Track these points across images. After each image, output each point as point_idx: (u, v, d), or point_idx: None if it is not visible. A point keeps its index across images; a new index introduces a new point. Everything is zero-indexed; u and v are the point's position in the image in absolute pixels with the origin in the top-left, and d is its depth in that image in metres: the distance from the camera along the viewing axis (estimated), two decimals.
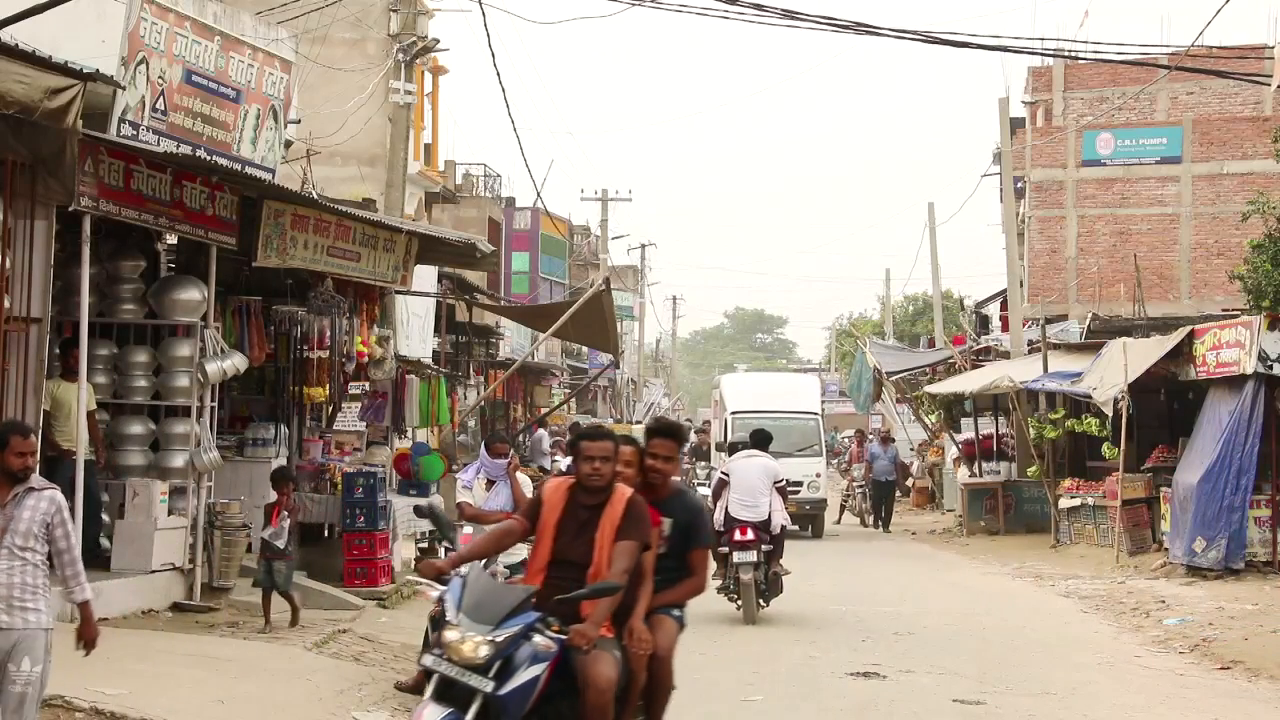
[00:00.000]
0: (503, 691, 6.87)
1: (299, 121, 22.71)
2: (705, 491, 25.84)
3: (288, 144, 20.20)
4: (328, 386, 17.87)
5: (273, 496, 14.17)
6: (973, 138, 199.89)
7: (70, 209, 12.31)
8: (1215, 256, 37.84)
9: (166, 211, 13.64)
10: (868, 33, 17.25)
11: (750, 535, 16.11)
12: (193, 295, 14.68)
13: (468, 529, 12.99)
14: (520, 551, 10.15)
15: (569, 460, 10.58)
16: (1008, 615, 17.55)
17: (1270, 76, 19.76)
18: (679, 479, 8.71)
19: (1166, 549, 21.46)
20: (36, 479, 7.47)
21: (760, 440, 17.12)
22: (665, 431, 8.26)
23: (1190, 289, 38.43)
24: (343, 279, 17.35)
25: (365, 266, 17.20)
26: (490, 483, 13.52)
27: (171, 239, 15.38)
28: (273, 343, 17.17)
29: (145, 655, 11.36)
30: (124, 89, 14.36)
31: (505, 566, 11.57)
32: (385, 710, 10.59)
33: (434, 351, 27.38)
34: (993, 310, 44.42)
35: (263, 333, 16.70)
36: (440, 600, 7.18)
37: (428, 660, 7.01)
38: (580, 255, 61.30)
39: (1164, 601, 18.06)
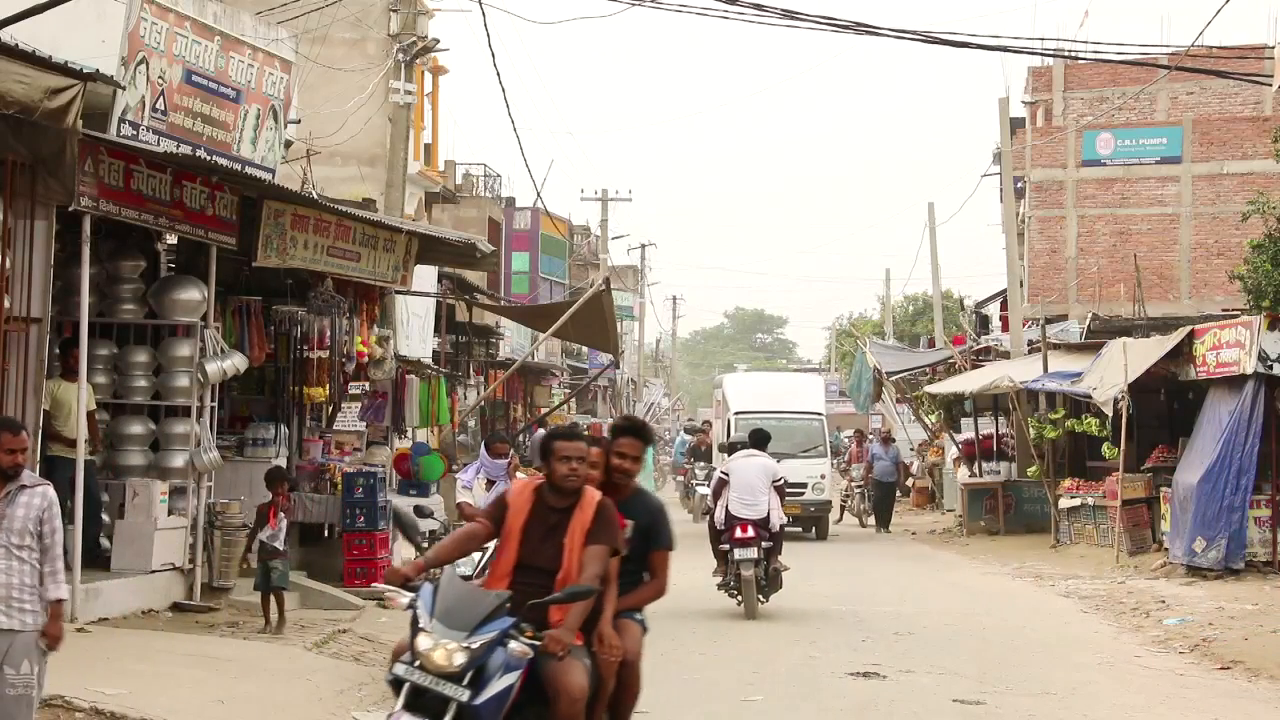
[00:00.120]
0: (478, 701, 6.66)
1: (299, 121, 22.72)
2: (704, 491, 25.89)
3: (288, 144, 20.20)
4: (328, 386, 17.87)
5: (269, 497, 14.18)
6: (973, 138, 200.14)
7: (70, 209, 12.31)
8: (1215, 256, 37.84)
9: (166, 211, 13.64)
10: (868, 33, 17.26)
11: (751, 533, 16.55)
12: (193, 295, 14.68)
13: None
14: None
15: None
16: (1008, 615, 17.55)
17: (1270, 76, 19.77)
18: (646, 480, 8.68)
19: (1166, 549, 21.46)
20: (28, 475, 7.43)
21: (759, 440, 17.54)
22: (632, 430, 7.97)
23: (1190, 289, 38.43)
24: (343, 279, 17.35)
25: (365, 266, 17.21)
26: (490, 483, 13.56)
27: (171, 239, 15.38)
28: (273, 343, 17.17)
29: (145, 655, 11.36)
30: (124, 89, 14.37)
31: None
32: (385, 710, 10.55)
33: (434, 351, 27.39)
34: (993, 310, 44.42)
35: (263, 333, 16.70)
36: (411, 607, 6.93)
37: (399, 669, 6.78)
38: (580, 255, 61.29)
39: (1164, 601, 18.06)
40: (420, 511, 15.52)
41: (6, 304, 11.95)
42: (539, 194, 33.01)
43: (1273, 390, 19.86)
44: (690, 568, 20.71)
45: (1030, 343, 30.17)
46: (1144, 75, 37.42)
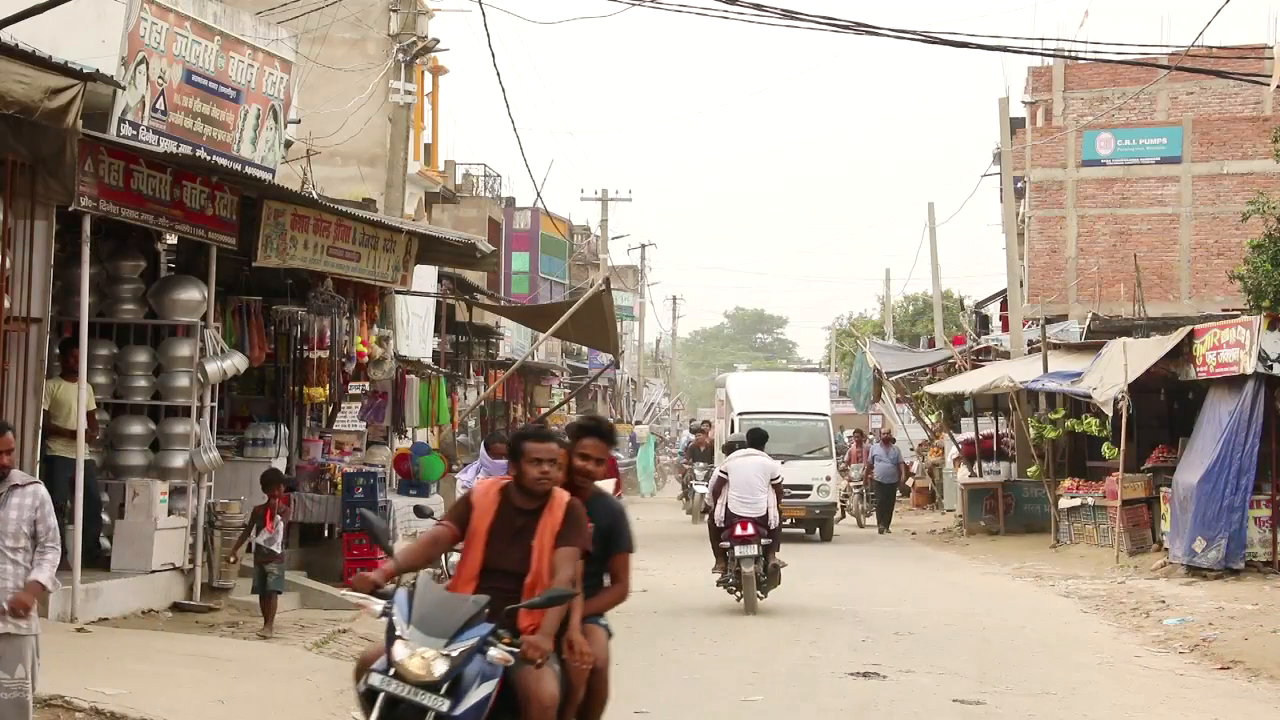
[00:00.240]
0: (457, 711, 6.37)
1: (299, 121, 22.72)
2: (702, 490, 25.91)
3: (288, 144, 20.21)
4: (328, 386, 17.87)
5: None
6: (973, 138, 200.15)
7: (70, 209, 12.31)
8: (1215, 256, 37.84)
9: (166, 211, 13.64)
10: (868, 33, 17.25)
11: (750, 530, 16.91)
12: (193, 295, 14.68)
13: None
14: None
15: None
16: (1008, 615, 17.55)
17: (1270, 76, 19.76)
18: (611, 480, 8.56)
19: (1166, 549, 21.46)
20: (18, 474, 7.33)
21: (756, 439, 17.99)
22: (596, 431, 7.63)
23: (1190, 289, 38.43)
24: (343, 279, 17.36)
25: (365, 266, 17.21)
26: None
27: (171, 239, 15.38)
28: (273, 343, 17.17)
29: (145, 655, 11.36)
30: (124, 89, 14.37)
31: None
32: None
33: (434, 351, 27.39)
34: (993, 310, 44.43)
35: (263, 333, 16.71)
36: (386, 614, 6.61)
37: (375, 680, 6.44)
38: (580, 255, 61.30)
39: (1164, 601, 18.06)
40: (420, 512, 15.50)
41: (6, 304, 11.95)
42: (539, 194, 33.03)
43: (1273, 390, 19.86)
44: (690, 568, 20.79)
45: (1030, 343, 30.17)
46: (1144, 75, 37.42)
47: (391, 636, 6.48)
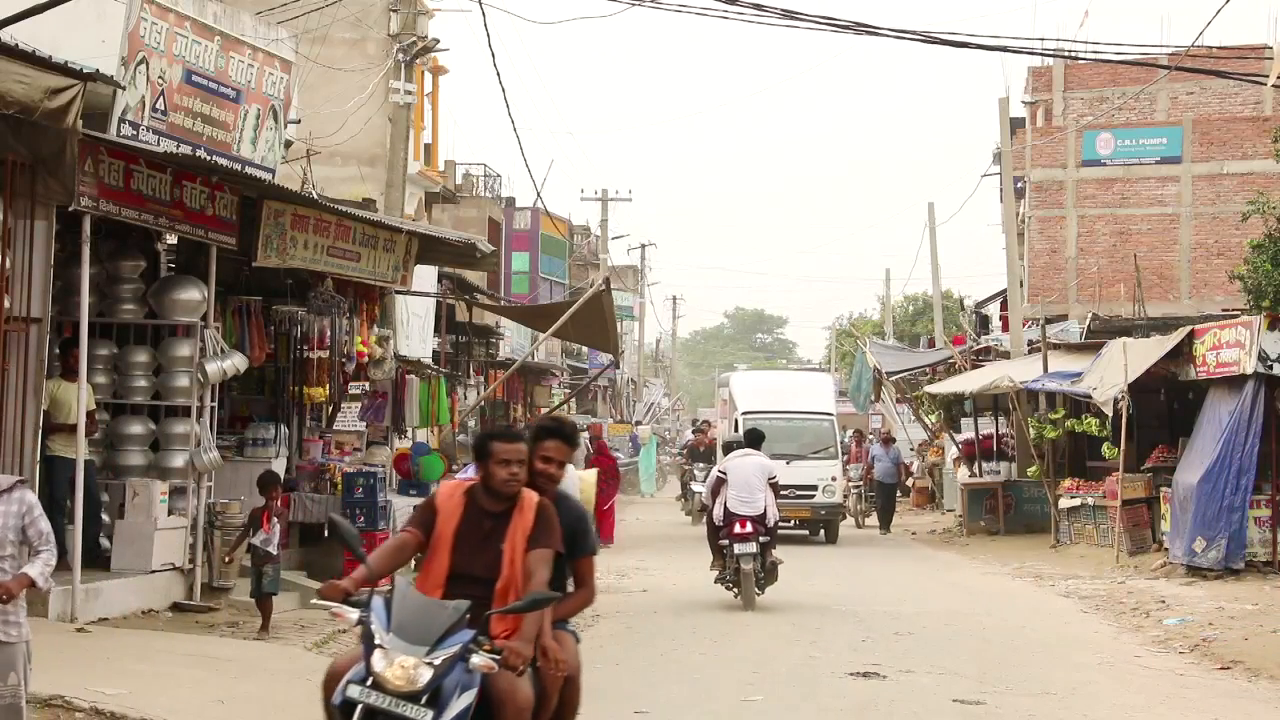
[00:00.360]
0: None
1: (299, 121, 22.72)
2: (698, 489, 25.88)
3: (288, 144, 20.21)
4: (328, 386, 17.88)
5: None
6: (973, 138, 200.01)
7: (70, 209, 12.32)
8: (1215, 256, 37.85)
9: (166, 211, 13.65)
10: (868, 33, 17.24)
11: (749, 528, 17.26)
12: (193, 295, 14.68)
13: None
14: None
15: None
16: (1008, 615, 17.55)
17: (1269, 77, 19.75)
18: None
19: (1166, 549, 21.46)
20: (2, 478, 7.14)
21: (753, 439, 18.50)
22: (558, 432, 7.37)
23: (1190, 289, 38.43)
24: (343, 279, 17.36)
25: (365, 266, 17.21)
26: None
27: (171, 239, 15.39)
28: (273, 343, 17.18)
29: (145, 655, 11.36)
30: (124, 89, 14.38)
31: None
32: None
33: (434, 351, 27.39)
34: (993, 310, 44.44)
35: (263, 333, 16.71)
36: (363, 622, 6.30)
37: (354, 691, 6.10)
38: (580, 255, 61.30)
39: (1164, 601, 18.06)
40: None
41: (6, 304, 11.96)
42: (539, 194, 33.03)
43: (1273, 390, 19.86)
44: (690, 568, 20.81)
45: (1030, 343, 30.17)
46: (1144, 75, 37.42)
47: (370, 645, 6.18)
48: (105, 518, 14.19)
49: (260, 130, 17.23)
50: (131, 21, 14.75)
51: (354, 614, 6.36)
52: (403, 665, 6.05)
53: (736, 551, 17.33)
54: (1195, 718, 11.45)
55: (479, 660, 6.21)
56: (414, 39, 22.78)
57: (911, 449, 39.30)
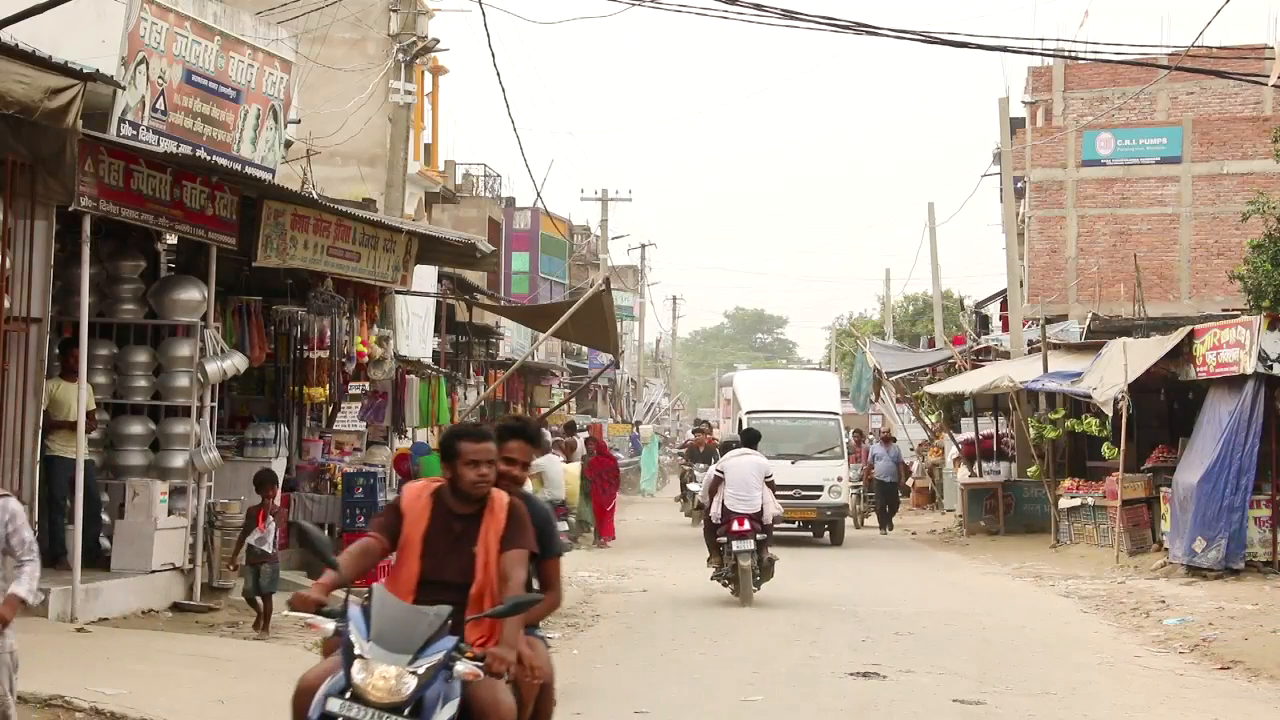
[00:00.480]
0: None
1: (299, 121, 22.73)
2: (694, 488, 25.88)
3: (288, 144, 20.22)
4: (328, 386, 17.88)
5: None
6: (973, 138, 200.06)
7: (70, 209, 12.32)
8: (1215, 256, 37.85)
9: (166, 211, 13.65)
10: (868, 33, 17.25)
11: (747, 526, 17.68)
12: (193, 295, 14.68)
13: None
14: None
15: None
16: (1008, 615, 17.55)
17: (1269, 76, 19.76)
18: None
19: (1166, 549, 21.46)
20: None
21: (750, 439, 19.06)
22: (521, 432, 7.17)
23: (1190, 289, 38.43)
24: (343, 279, 17.36)
25: (365, 266, 17.22)
26: None
27: (171, 239, 15.39)
28: (273, 343, 17.18)
29: (145, 655, 11.36)
30: (124, 89, 14.38)
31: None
32: None
33: (434, 351, 27.40)
34: (993, 310, 44.44)
35: (263, 333, 16.71)
36: (339, 632, 6.04)
37: (334, 705, 5.86)
38: (580, 255, 61.31)
39: (1164, 601, 18.06)
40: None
41: (6, 304, 11.96)
42: (539, 194, 33.05)
43: (1273, 390, 19.86)
44: (690, 568, 20.81)
45: (1030, 343, 30.17)
46: (1144, 75, 37.42)
47: (350, 655, 5.90)
48: (105, 518, 14.19)
49: (260, 130, 17.23)
50: (131, 21, 14.75)
51: (330, 624, 6.11)
52: (384, 676, 5.81)
53: (734, 549, 17.71)
54: (1195, 718, 11.45)
55: (463, 668, 5.97)
56: (414, 39, 22.79)
57: (911, 449, 39.28)
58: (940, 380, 33.71)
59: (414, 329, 25.10)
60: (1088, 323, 30.34)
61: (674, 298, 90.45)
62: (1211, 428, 20.47)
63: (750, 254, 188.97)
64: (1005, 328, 34.67)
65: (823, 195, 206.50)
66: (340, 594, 6.33)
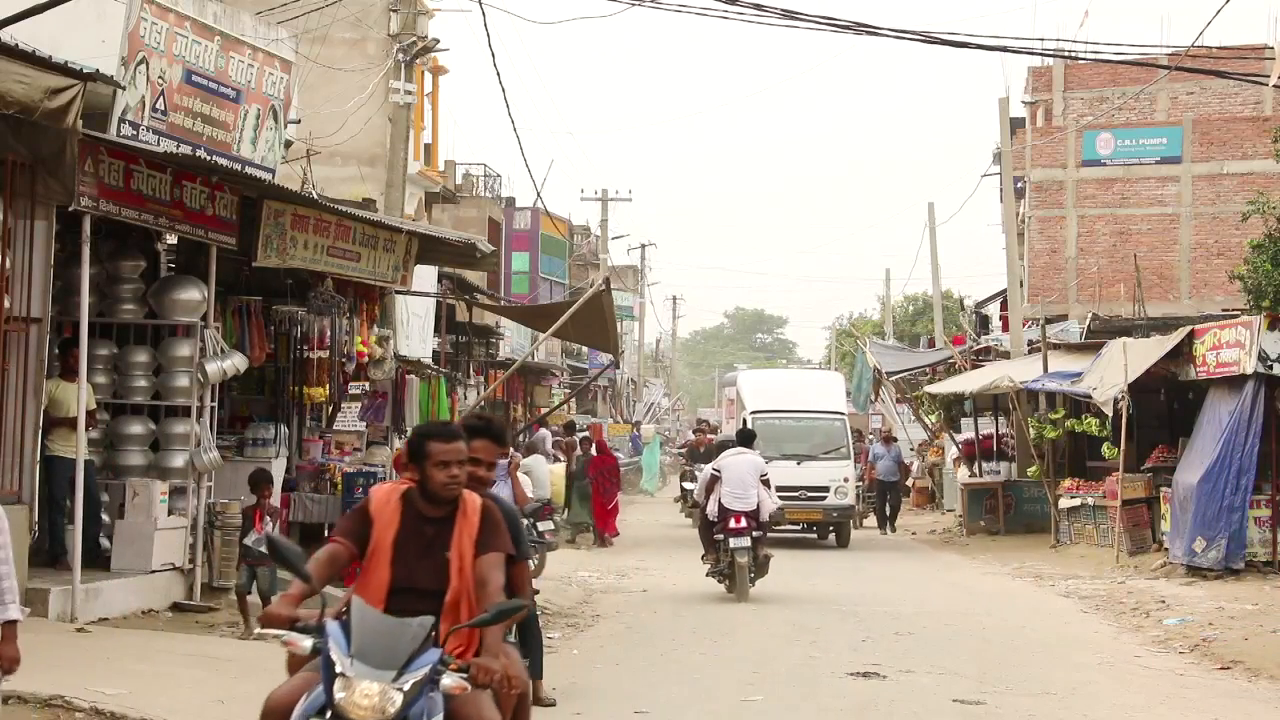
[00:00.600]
0: None
1: (299, 121, 22.72)
2: (689, 486, 25.89)
3: (288, 144, 20.21)
4: (328, 386, 17.88)
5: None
6: (973, 138, 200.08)
7: (70, 209, 12.32)
8: (1215, 256, 37.85)
9: (166, 211, 13.64)
10: (868, 33, 17.25)
11: (743, 523, 18.06)
12: (193, 295, 14.68)
13: None
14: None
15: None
16: (1008, 615, 17.55)
17: (1269, 76, 19.75)
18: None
19: (1166, 549, 21.46)
20: None
21: (745, 439, 19.36)
22: (486, 431, 6.90)
23: (1190, 289, 38.43)
24: (343, 279, 17.36)
25: (365, 266, 17.21)
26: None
27: (171, 239, 15.39)
28: (273, 343, 17.18)
29: (145, 655, 11.35)
30: (124, 89, 14.38)
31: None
32: None
33: (434, 351, 27.40)
34: (993, 310, 44.45)
35: (263, 333, 16.71)
36: (320, 649, 5.68)
37: None
38: (580, 255, 61.31)
39: (1164, 601, 18.06)
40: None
41: (6, 304, 11.96)
42: (539, 194, 33.02)
43: (1273, 390, 19.86)
44: (690, 568, 20.80)
45: (1030, 343, 30.17)
46: (1144, 75, 37.42)
47: (331, 674, 5.56)
48: (105, 518, 14.18)
49: (260, 130, 17.23)
50: (131, 21, 14.74)
51: (307, 641, 5.75)
52: (367, 694, 5.48)
53: (731, 545, 18.10)
54: (1195, 718, 11.45)
55: (450, 681, 5.68)
56: (414, 39, 22.78)
57: (911, 449, 39.27)
58: (940, 380, 33.71)
59: (414, 329, 25.10)
60: (1088, 323, 30.34)
61: (674, 298, 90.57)
62: (1211, 428, 20.47)
63: (750, 254, 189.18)
64: (1005, 328, 34.67)
65: (823, 195, 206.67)
66: (314, 604, 6.05)
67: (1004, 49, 22.55)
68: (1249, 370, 19.60)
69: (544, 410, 43.70)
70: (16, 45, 10.83)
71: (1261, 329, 19.54)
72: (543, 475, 21.21)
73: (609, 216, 60.14)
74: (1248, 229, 27.51)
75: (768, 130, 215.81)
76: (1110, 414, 22.88)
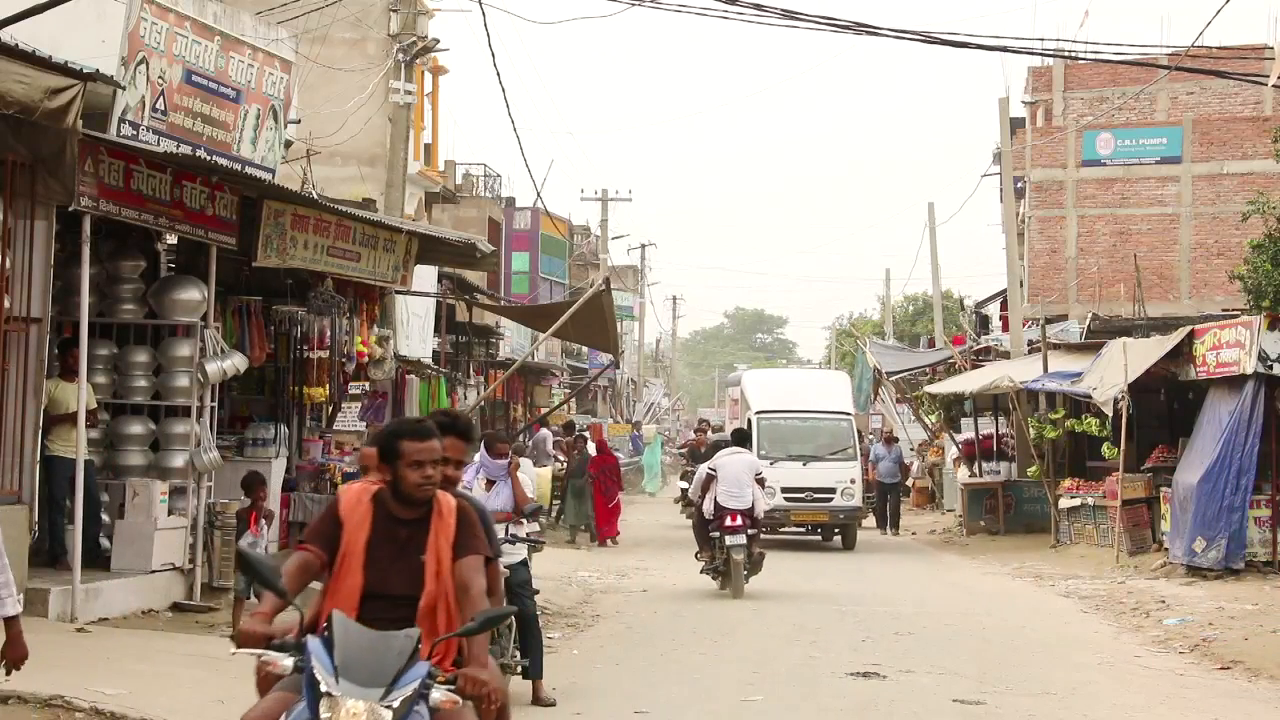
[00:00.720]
0: None
1: (299, 121, 22.72)
2: (684, 485, 25.90)
3: (288, 144, 20.21)
4: (328, 386, 17.89)
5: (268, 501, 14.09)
6: (973, 138, 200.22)
7: (70, 209, 12.32)
8: (1215, 256, 37.84)
9: (166, 211, 13.65)
10: (868, 33, 17.25)
11: (739, 521, 18.33)
12: (193, 295, 14.68)
13: None
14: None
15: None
16: (1008, 615, 17.55)
17: (1269, 76, 19.75)
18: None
19: (1166, 549, 21.46)
20: None
21: (740, 439, 19.92)
22: (453, 428, 6.73)
23: (1190, 289, 38.43)
24: (343, 279, 17.36)
25: (365, 266, 17.22)
26: (490, 483, 13.53)
27: (171, 239, 15.39)
28: (273, 343, 17.18)
29: (145, 655, 11.35)
30: (124, 89, 14.38)
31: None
32: None
33: (434, 351, 27.41)
34: (993, 310, 44.44)
35: (263, 333, 16.71)
36: (303, 668, 5.41)
37: None
38: (580, 255, 61.31)
39: (1164, 601, 18.06)
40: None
41: (6, 304, 11.96)
42: (539, 194, 33.00)
43: (1273, 390, 19.85)
44: (690, 568, 20.78)
45: (1030, 343, 30.16)
46: (1144, 75, 37.41)
47: (315, 694, 5.29)
48: (105, 518, 14.18)
49: (260, 130, 17.23)
50: (131, 21, 14.74)
51: (288, 660, 5.49)
52: (354, 713, 5.21)
53: (727, 543, 18.37)
54: (1195, 718, 11.45)
55: (439, 696, 5.42)
56: (414, 39, 22.79)
57: (911, 449, 39.26)
58: (940, 380, 33.69)
59: (414, 329, 25.10)
60: (1088, 323, 30.33)
61: (674, 298, 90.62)
62: (1211, 428, 20.46)
63: (750, 254, 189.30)
64: (1005, 328, 34.66)
65: (823, 195, 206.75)
66: (290, 618, 5.78)
67: (1004, 49, 22.56)
68: (1249, 370, 19.60)
69: (544, 410, 43.69)
70: (16, 45, 10.84)
71: (1261, 329, 19.54)
72: (529, 476, 21.14)
73: (609, 216, 60.17)
74: (1248, 229, 27.51)
75: (768, 130, 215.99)
76: (1110, 414, 22.88)
